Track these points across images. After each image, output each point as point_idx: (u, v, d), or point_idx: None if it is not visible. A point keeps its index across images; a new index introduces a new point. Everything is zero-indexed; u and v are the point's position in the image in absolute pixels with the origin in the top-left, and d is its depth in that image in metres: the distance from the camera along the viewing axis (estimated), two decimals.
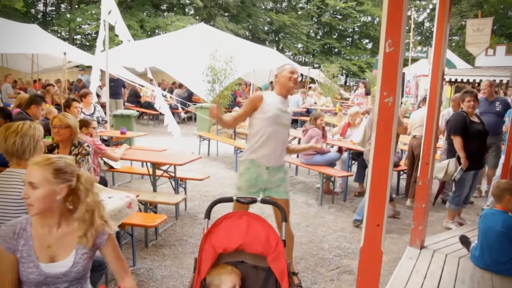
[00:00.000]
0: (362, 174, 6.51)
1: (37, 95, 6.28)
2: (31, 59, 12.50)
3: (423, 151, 4.03)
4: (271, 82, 19.74)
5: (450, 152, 5.08)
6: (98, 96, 10.80)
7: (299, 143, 7.56)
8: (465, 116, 4.93)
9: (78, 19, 25.64)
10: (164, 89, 15.38)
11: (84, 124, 4.83)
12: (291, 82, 3.41)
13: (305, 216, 5.53)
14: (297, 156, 6.93)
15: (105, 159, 5.43)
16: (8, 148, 2.43)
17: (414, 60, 18.57)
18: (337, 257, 4.35)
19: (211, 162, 8.57)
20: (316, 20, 36.56)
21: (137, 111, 12.00)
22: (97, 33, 10.71)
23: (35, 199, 1.83)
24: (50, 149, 3.91)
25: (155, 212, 4.81)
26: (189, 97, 14.82)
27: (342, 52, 36.31)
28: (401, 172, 6.60)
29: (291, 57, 33.33)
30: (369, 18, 36.68)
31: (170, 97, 14.07)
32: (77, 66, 18.00)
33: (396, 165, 6.35)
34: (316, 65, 31.51)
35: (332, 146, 7.01)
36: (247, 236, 2.25)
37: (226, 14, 32.04)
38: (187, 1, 28.32)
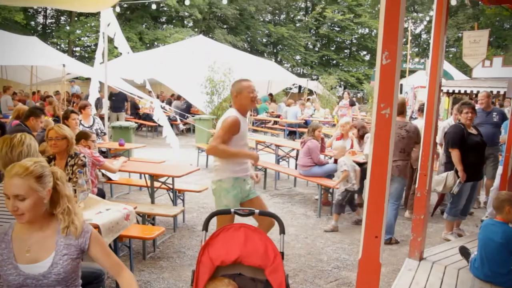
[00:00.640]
0: (360, 185, 6.50)
1: (36, 107, 6.30)
2: (30, 71, 12.54)
3: (421, 162, 4.03)
4: (270, 94, 19.86)
5: (449, 164, 5.09)
6: (97, 108, 10.83)
7: (297, 155, 7.56)
8: (462, 128, 4.94)
9: (78, 31, 25.83)
10: (163, 101, 15.42)
11: (84, 136, 4.83)
12: (252, 103, 3.62)
13: (304, 228, 5.51)
14: (296, 168, 6.92)
15: (103, 171, 5.42)
16: (13, 158, 2.43)
17: (412, 71, 18.67)
18: (335, 269, 4.32)
19: (209, 174, 8.54)
20: (314, 32, 36.83)
21: (136, 122, 12.03)
22: (96, 45, 10.77)
23: (26, 209, 1.85)
24: (47, 161, 3.90)
25: (153, 224, 4.79)
26: (188, 108, 14.85)
27: (340, 64, 36.51)
28: None
29: (290, 68, 33.48)
30: (367, 30, 36.95)
31: (169, 108, 14.10)
32: (76, 78, 18.07)
33: None
34: (314, 77, 31.68)
35: (331, 158, 7.00)
36: (245, 249, 2.24)
37: (225, 26, 32.26)
38: (186, 14, 28.50)
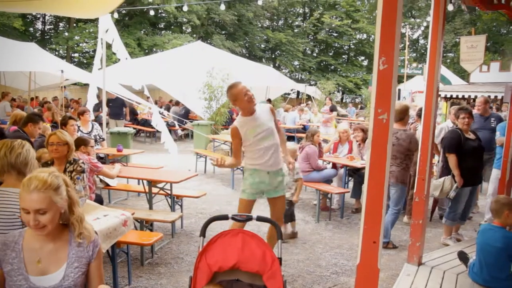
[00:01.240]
0: (359, 191, 6.50)
1: (34, 113, 6.29)
2: (28, 77, 12.54)
3: (419, 167, 4.03)
4: (269, 100, 19.88)
5: (446, 169, 5.09)
6: (96, 114, 10.82)
7: (295, 160, 7.54)
8: (459, 134, 4.96)
9: (76, 38, 25.87)
10: (161, 107, 15.43)
11: (83, 143, 4.82)
12: (250, 103, 3.74)
13: (302, 233, 5.50)
14: None
15: (101, 177, 5.41)
16: (11, 160, 2.41)
17: (410, 76, 18.73)
18: (334, 274, 4.31)
19: (207, 179, 8.55)
20: (312, 37, 36.98)
21: (134, 128, 12.01)
22: (94, 51, 10.78)
23: (48, 222, 1.82)
24: (45, 166, 3.90)
25: (151, 230, 4.77)
26: (186, 114, 14.86)
27: (338, 69, 36.62)
28: None
29: (288, 74, 33.56)
30: (365, 36, 37.12)
31: (167, 114, 14.10)
32: (75, 84, 18.08)
33: None
34: (312, 82, 31.74)
35: (329, 163, 7.00)
36: (243, 254, 2.23)
37: (223, 32, 32.35)
38: (184, 20, 28.57)
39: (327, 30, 36.02)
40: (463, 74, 18.62)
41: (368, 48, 35.69)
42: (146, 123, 13.77)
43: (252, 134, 3.77)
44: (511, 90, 5.58)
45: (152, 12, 18.67)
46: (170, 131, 11.11)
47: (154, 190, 5.28)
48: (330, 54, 37.90)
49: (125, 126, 12.55)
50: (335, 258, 4.73)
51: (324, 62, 36.88)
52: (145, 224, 4.66)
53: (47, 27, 30.78)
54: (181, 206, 5.69)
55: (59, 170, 3.81)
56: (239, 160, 3.97)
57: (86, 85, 12.91)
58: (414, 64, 20.93)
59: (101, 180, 5.57)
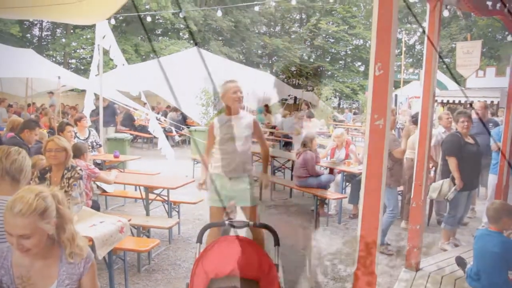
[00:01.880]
0: (356, 196, 6.49)
1: (31, 119, 6.28)
2: (25, 83, 12.51)
3: (416, 172, 4.04)
4: (266, 105, 19.90)
5: (445, 172, 5.09)
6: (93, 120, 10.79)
7: (292, 165, 7.56)
8: (459, 137, 4.97)
9: (73, 44, 25.91)
10: (158, 113, 15.41)
11: (80, 152, 4.79)
12: (236, 102, 3.76)
13: (300, 239, 5.48)
14: (291, 179, 6.92)
15: (98, 183, 5.39)
16: (6, 165, 2.39)
17: (406, 82, 18.78)
18: (332, 280, 4.30)
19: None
20: (309, 43, 37.07)
21: (131, 134, 11.98)
22: (92, 57, 10.78)
23: (32, 246, 1.75)
24: (43, 172, 3.89)
25: (148, 236, 4.75)
26: (183, 120, 14.85)
27: (335, 75, 36.68)
28: None
29: (285, 80, 33.61)
30: (361, 41, 37.24)
31: (164, 120, 14.09)
32: (72, 90, 18.05)
33: None
34: (309, 88, 31.80)
35: (326, 168, 7.00)
36: (240, 261, 2.23)
37: (220, 38, 32.38)
38: (181, 26, 28.63)
39: (323, 36, 36.12)
40: (460, 80, 18.71)
41: (365, 54, 35.80)
42: (143, 129, 13.74)
43: (222, 132, 3.81)
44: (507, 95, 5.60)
45: (149, 18, 18.62)
46: (167, 137, 11.09)
47: (151, 196, 5.27)
48: (327, 59, 37.94)
49: (119, 131, 12.53)
50: (333, 263, 4.72)
51: (321, 68, 36.95)
52: (142, 231, 4.65)
53: (44, 33, 30.78)
54: (178, 212, 5.67)
55: (56, 176, 3.82)
56: (207, 157, 4.01)
57: (83, 91, 12.88)
58: (411, 70, 21.03)
59: (98, 187, 5.55)
